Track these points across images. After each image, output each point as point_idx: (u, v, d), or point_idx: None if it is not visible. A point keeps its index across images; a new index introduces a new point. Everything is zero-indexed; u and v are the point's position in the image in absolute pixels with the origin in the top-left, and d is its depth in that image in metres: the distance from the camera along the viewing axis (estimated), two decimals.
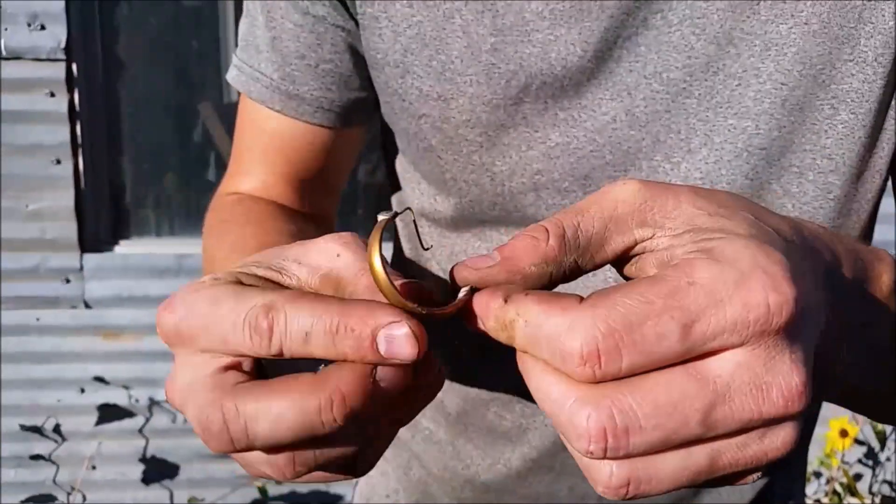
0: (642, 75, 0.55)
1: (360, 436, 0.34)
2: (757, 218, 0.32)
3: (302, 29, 0.61)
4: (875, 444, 2.28)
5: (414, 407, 0.35)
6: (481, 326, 0.32)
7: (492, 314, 0.31)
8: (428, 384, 0.35)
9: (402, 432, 0.77)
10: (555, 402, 0.29)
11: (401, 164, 0.68)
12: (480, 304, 0.32)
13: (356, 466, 0.36)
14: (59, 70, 1.92)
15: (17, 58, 1.90)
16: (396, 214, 0.34)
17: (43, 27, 1.89)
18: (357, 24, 0.60)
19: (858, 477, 2.31)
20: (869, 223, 0.61)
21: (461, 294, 0.33)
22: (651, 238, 0.32)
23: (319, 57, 0.62)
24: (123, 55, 2.07)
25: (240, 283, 0.34)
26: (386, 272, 0.31)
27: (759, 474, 0.31)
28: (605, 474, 0.29)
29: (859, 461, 2.31)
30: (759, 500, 0.74)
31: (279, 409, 0.31)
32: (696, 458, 0.29)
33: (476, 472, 0.73)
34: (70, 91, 1.94)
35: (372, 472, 0.84)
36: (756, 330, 0.28)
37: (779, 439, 0.29)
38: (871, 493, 2.30)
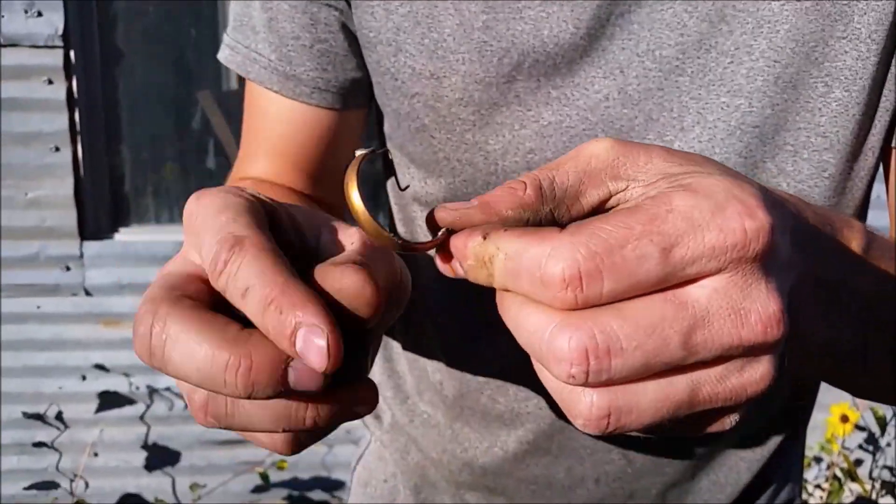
0: (635, 53, 0.55)
1: (278, 420, 0.33)
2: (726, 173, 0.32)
3: (296, 10, 0.61)
4: (876, 430, 2.28)
5: (334, 417, 0.34)
6: (458, 269, 0.32)
7: (470, 252, 0.31)
8: (352, 402, 0.34)
9: (400, 417, 0.78)
10: (534, 332, 0.29)
11: (391, 150, 0.68)
12: (458, 242, 0.32)
13: (278, 445, 0.36)
14: (56, 57, 1.91)
15: (15, 45, 1.89)
16: (374, 151, 0.34)
17: (40, 14, 1.88)
18: (349, 3, 0.60)
19: (859, 462, 2.31)
20: (863, 202, 0.61)
21: (439, 235, 0.33)
22: (625, 190, 0.32)
23: (314, 37, 0.62)
24: (121, 42, 2.07)
25: (257, 202, 0.35)
26: (364, 204, 0.32)
27: (736, 417, 0.31)
28: (586, 404, 0.29)
29: (860, 447, 2.32)
30: (757, 482, 0.74)
31: (194, 346, 0.31)
32: (676, 388, 0.29)
33: (474, 455, 0.73)
34: (68, 78, 1.93)
35: (369, 458, 0.84)
36: (733, 256, 0.28)
37: (757, 373, 0.30)
38: (871, 478, 2.30)
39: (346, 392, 0.34)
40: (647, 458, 0.69)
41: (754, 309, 0.28)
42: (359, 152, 0.34)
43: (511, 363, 0.67)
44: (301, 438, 0.36)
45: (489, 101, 0.57)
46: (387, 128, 0.65)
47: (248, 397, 0.31)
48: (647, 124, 0.57)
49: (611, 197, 0.33)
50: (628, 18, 0.54)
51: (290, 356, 0.31)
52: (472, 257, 0.31)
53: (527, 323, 0.29)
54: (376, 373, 0.82)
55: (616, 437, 0.68)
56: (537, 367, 0.31)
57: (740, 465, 0.73)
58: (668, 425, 0.31)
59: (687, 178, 0.30)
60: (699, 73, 0.55)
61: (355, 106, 0.67)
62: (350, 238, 0.36)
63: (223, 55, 0.67)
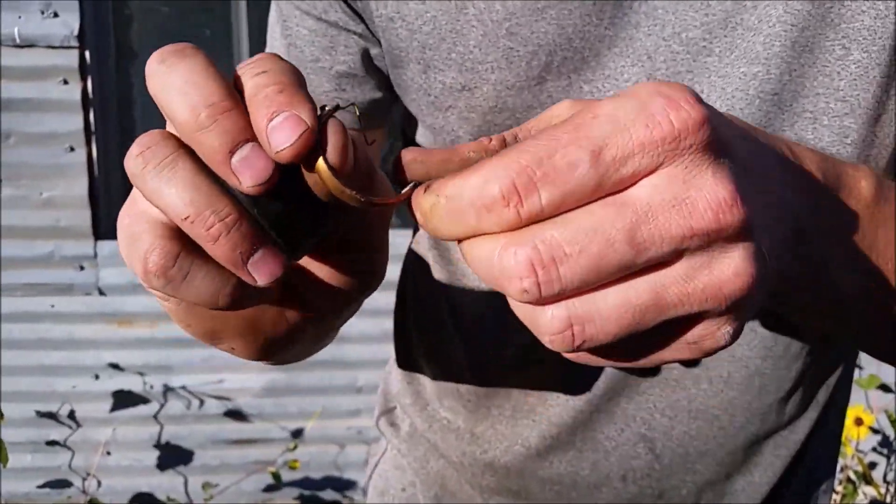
0: (661, 38, 0.54)
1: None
2: None
3: (315, 34, 0.62)
4: (890, 432, 2.27)
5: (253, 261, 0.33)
6: (426, 227, 0.32)
7: (416, 207, 0.31)
8: (273, 258, 0.33)
9: (419, 423, 0.77)
10: (486, 259, 0.29)
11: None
12: (413, 199, 0.32)
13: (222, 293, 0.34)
14: (72, 58, 1.92)
15: (31, 45, 1.90)
16: (337, 107, 0.33)
17: (56, 15, 1.89)
18: (369, 28, 0.60)
19: (873, 465, 2.30)
20: (888, 170, 0.59)
21: (403, 190, 0.33)
22: None
23: (334, 59, 0.62)
24: (136, 43, 2.07)
25: None
26: (325, 160, 0.31)
27: (728, 329, 0.30)
28: (547, 319, 0.29)
29: (874, 449, 2.30)
30: (791, 480, 0.73)
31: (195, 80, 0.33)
32: (637, 291, 0.29)
33: (494, 455, 0.72)
34: (83, 79, 1.94)
35: (386, 466, 0.84)
36: (667, 149, 0.28)
37: (730, 267, 0.29)
38: (885, 481, 2.29)
39: (268, 240, 0.33)
40: (676, 453, 0.68)
41: (701, 197, 0.28)
42: (328, 107, 0.33)
43: (533, 358, 0.67)
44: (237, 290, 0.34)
45: (523, 105, 0.57)
46: (423, 141, 0.65)
47: (198, 128, 0.31)
48: None
49: None
50: (652, 4, 0.54)
51: (256, 134, 0.31)
52: (419, 212, 0.31)
53: (480, 254, 0.30)
54: (396, 380, 0.82)
55: (640, 429, 0.68)
56: (509, 300, 0.31)
57: (776, 463, 0.71)
58: (644, 339, 0.30)
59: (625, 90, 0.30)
60: (726, 52, 0.54)
61: (374, 125, 0.67)
62: None
63: None
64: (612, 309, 0.29)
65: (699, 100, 0.29)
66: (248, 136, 0.31)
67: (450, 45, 0.56)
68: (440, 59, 0.57)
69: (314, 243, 0.35)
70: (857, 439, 1.95)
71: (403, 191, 0.33)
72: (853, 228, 0.40)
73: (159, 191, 0.31)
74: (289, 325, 0.43)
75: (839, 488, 2.16)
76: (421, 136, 0.65)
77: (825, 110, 0.55)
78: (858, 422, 1.92)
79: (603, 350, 0.31)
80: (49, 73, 1.92)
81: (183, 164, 0.32)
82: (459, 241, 0.31)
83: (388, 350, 0.87)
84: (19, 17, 1.88)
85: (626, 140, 0.28)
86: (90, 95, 1.96)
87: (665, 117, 0.28)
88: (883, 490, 2.23)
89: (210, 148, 0.31)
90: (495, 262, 0.29)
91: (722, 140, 0.29)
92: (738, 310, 0.30)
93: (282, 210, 0.33)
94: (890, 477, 2.30)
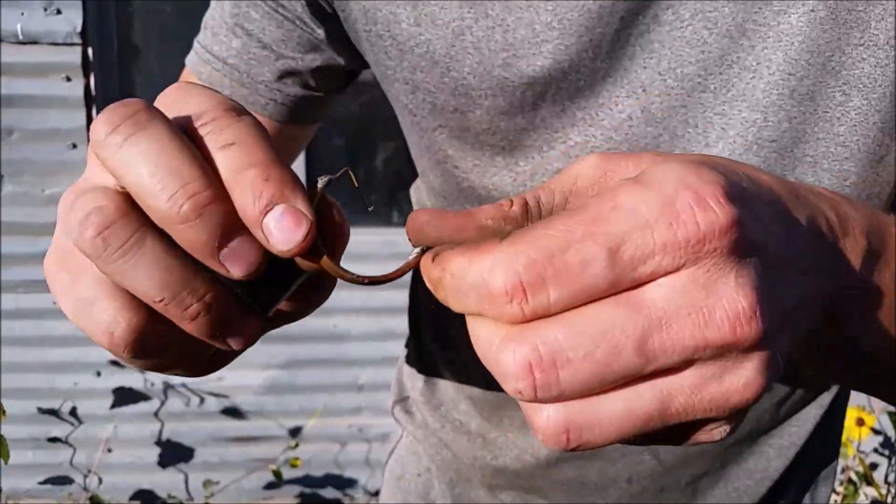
0: (657, 72, 0.54)
1: (167, 285, 0.30)
2: (735, 170, 0.30)
3: (270, 22, 0.60)
4: (892, 433, 2.27)
5: (220, 320, 0.31)
6: (435, 295, 0.30)
7: (424, 275, 0.30)
8: (241, 322, 0.32)
9: (431, 421, 0.78)
10: (485, 346, 0.28)
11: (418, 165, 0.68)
12: (423, 267, 0.30)
13: (123, 331, 0.32)
14: (74, 54, 1.92)
15: (34, 42, 1.90)
16: (331, 181, 0.32)
17: (59, 12, 1.89)
18: (332, 34, 0.59)
19: (874, 466, 2.30)
20: (888, 209, 0.59)
21: (411, 256, 0.31)
22: None
23: (280, 53, 0.61)
24: (138, 39, 2.08)
25: None
26: (318, 244, 0.30)
27: (726, 429, 0.29)
28: (542, 419, 0.27)
29: (875, 450, 2.30)
30: (788, 471, 0.74)
31: (160, 151, 0.30)
32: (643, 400, 0.27)
33: (505, 462, 0.73)
34: (86, 76, 1.94)
35: (402, 452, 0.84)
36: (690, 251, 0.26)
37: (741, 380, 0.27)
38: (886, 482, 2.29)
39: (244, 309, 0.32)
40: (677, 455, 0.70)
41: (719, 306, 0.26)
42: (320, 182, 0.32)
43: None
44: (151, 338, 0.32)
45: (516, 129, 0.57)
46: (413, 154, 0.65)
47: (181, 221, 0.29)
48: (672, 141, 0.56)
49: None
50: (648, 38, 0.54)
51: (248, 225, 0.29)
52: (427, 279, 0.30)
53: (479, 339, 0.28)
54: (410, 375, 0.82)
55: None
56: None
57: (769, 451, 0.73)
58: (642, 440, 0.29)
59: (647, 169, 0.28)
60: (722, 89, 0.54)
61: (304, 121, 0.66)
62: None
63: (188, 57, 0.66)
64: (615, 417, 0.27)
65: (730, 195, 0.27)
66: (237, 226, 0.29)
67: (443, 70, 0.55)
68: (432, 83, 0.56)
69: (286, 297, 0.34)
70: (858, 440, 1.95)
71: (411, 257, 0.31)
72: (892, 300, 0.37)
73: (126, 273, 0.29)
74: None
75: (840, 489, 2.15)
76: (412, 149, 0.65)
77: (825, 154, 0.55)
78: (860, 422, 1.92)
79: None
80: (52, 69, 1.92)
81: (151, 244, 0.29)
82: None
83: (390, 348, 0.88)
84: (22, 14, 1.88)
85: (647, 239, 0.26)
86: (93, 92, 1.97)
87: (691, 217, 0.26)
88: (884, 491, 2.23)
89: (195, 241, 0.29)
90: (492, 354, 0.27)
91: (750, 240, 0.27)
92: (740, 415, 0.29)
93: (259, 280, 0.31)
94: (891, 478, 2.30)
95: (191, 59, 0.66)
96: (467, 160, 0.59)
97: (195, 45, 0.66)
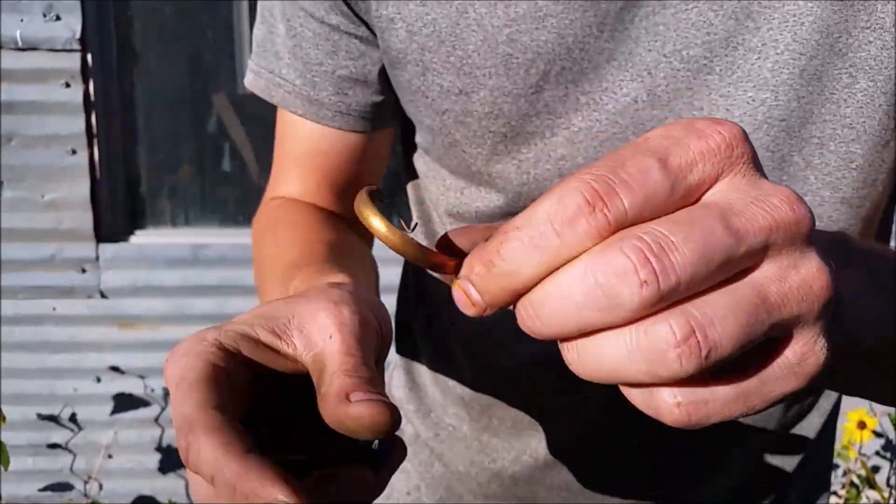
0: (662, 54, 0.55)
1: None
2: None
3: (319, 37, 0.62)
4: (893, 436, 2.26)
5: None
6: (483, 288, 0.30)
7: (469, 271, 0.29)
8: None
9: (423, 431, 0.77)
10: (584, 282, 0.27)
11: (424, 163, 0.68)
12: (465, 265, 0.30)
13: None
14: (74, 60, 1.92)
15: (33, 48, 1.90)
16: (378, 192, 0.32)
17: (58, 18, 1.89)
18: (372, 31, 0.61)
19: (876, 469, 2.29)
20: (893, 194, 0.60)
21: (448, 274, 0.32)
22: None
23: (336, 64, 0.63)
24: (138, 45, 2.08)
25: (231, 352, 0.37)
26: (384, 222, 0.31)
27: (824, 343, 0.29)
28: (666, 331, 0.27)
29: (877, 453, 2.30)
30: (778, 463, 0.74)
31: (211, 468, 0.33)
32: (742, 292, 0.28)
33: (503, 465, 0.72)
34: (85, 81, 1.94)
35: None
36: (723, 157, 0.29)
37: (813, 265, 0.29)
38: (888, 485, 2.28)
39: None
40: (679, 463, 0.70)
41: (771, 193, 0.29)
42: (364, 196, 0.32)
43: (538, 368, 0.67)
44: None
45: (519, 113, 0.57)
46: (423, 141, 0.65)
47: None
48: None
49: None
50: (653, 20, 0.54)
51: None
52: (470, 278, 0.29)
53: (571, 282, 0.27)
54: (398, 386, 0.82)
55: (643, 443, 0.68)
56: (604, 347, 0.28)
57: (760, 449, 0.73)
58: (758, 363, 0.29)
59: None
60: (727, 71, 0.55)
61: (378, 127, 0.68)
62: (324, 331, 0.38)
63: (248, 81, 0.68)
64: (726, 309, 0.28)
65: (730, 122, 0.30)
66: None
67: (448, 49, 0.56)
68: (439, 62, 0.57)
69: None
70: (860, 443, 1.94)
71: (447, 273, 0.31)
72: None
73: None
74: None
75: (842, 492, 2.15)
76: (420, 137, 0.65)
77: (832, 136, 0.55)
78: (862, 425, 1.92)
79: (721, 402, 0.29)
80: (51, 75, 1.92)
81: None
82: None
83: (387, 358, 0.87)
84: (21, 20, 1.88)
85: (686, 150, 0.28)
86: (92, 98, 1.97)
87: (714, 130, 0.29)
88: (886, 494, 2.23)
89: None
90: (600, 271, 0.27)
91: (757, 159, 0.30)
92: (826, 317, 0.29)
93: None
94: (893, 481, 2.30)
95: (255, 83, 0.67)
96: (472, 146, 0.60)
97: (255, 67, 0.67)
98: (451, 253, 0.31)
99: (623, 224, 0.27)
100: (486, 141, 0.59)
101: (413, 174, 0.71)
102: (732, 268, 0.28)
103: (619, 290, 0.27)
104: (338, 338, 0.37)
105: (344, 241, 0.63)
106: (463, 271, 0.30)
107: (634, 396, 0.30)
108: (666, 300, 0.27)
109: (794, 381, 0.30)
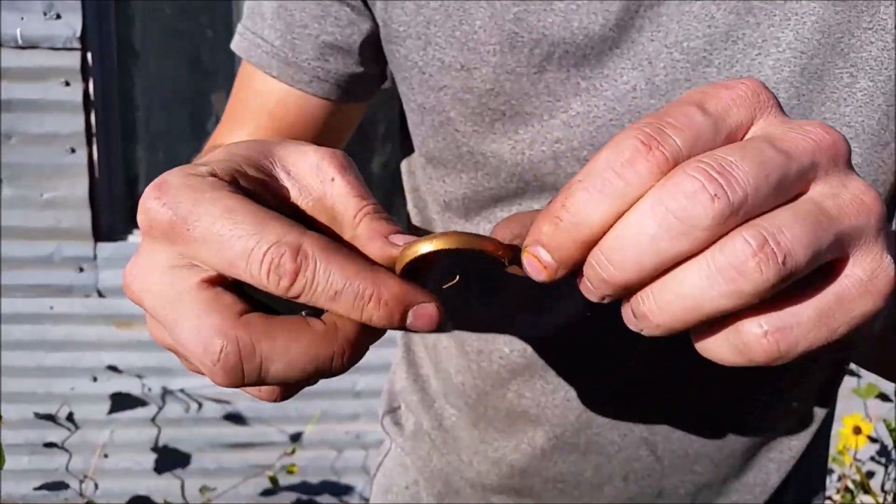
0: (663, 45, 0.55)
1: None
2: None
3: (308, 0, 0.62)
4: (888, 442, 2.27)
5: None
6: (553, 247, 0.31)
7: (538, 231, 0.31)
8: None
9: (426, 422, 0.78)
10: (656, 207, 0.28)
11: (413, 150, 0.68)
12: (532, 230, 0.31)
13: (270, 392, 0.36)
14: (74, 59, 1.92)
15: (33, 47, 1.90)
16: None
17: (58, 16, 1.89)
18: (365, 3, 0.60)
19: (871, 474, 2.29)
20: (893, 194, 0.60)
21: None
22: None
23: (321, 28, 0.62)
24: (138, 45, 2.08)
25: (238, 184, 0.34)
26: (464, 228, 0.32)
27: (890, 258, 0.30)
28: (741, 243, 0.28)
29: (872, 458, 2.30)
30: (784, 485, 0.74)
31: (295, 355, 0.31)
32: (803, 206, 0.29)
33: (503, 454, 0.73)
34: (85, 80, 1.94)
35: (390, 465, 0.84)
36: (753, 102, 0.31)
37: (859, 184, 0.31)
38: (883, 490, 2.29)
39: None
40: (676, 454, 0.69)
41: (803, 128, 0.30)
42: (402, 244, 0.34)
43: (532, 358, 0.67)
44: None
45: (520, 92, 0.57)
46: (409, 126, 0.65)
47: (371, 323, 0.32)
48: None
49: None
50: (657, 11, 0.55)
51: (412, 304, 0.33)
52: (539, 239, 0.31)
53: (642, 217, 0.28)
54: (401, 378, 0.82)
55: (642, 433, 0.68)
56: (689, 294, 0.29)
57: (769, 465, 0.72)
58: (830, 280, 0.30)
59: None
60: (726, 65, 0.55)
61: (351, 99, 0.67)
62: (321, 173, 0.35)
63: (234, 43, 0.68)
64: (793, 220, 0.29)
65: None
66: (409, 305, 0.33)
67: (455, 23, 0.57)
68: (443, 36, 0.57)
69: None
70: (855, 448, 1.95)
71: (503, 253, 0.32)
72: None
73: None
74: None
75: (837, 497, 2.15)
76: (409, 118, 0.65)
77: None
78: (857, 431, 1.92)
79: (804, 329, 0.30)
80: (51, 74, 1.92)
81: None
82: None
83: (387, 354, 0.87)
84: (21, 19, 1.88)
85: (718, 98, 0.31)
86: (92, 97, 1.96)
87: (736, 82, 0.31)
88: (881, 499, 2.23)
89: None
90: (667, 195, 0.28)
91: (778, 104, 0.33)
92: (883, 233, 0.31)
93: None
94: (888, 486, 2.30)
95: (238, 44, 0.67)
96: (467, 124, 0.60)
97: (240, 29, 0.67)
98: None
99: (679, 160, 0.29)
100: (485, 118, 0.59)
101: (409, 162, 0.71)
102: (788, 188, 0.29)
103: (691, 211, 0.28)
104: (342, 180, 0.35)
105: None
106: (530, 237, 0.31)
107: (719, 345, 0.30)
108: (736, 215, 0.28)
109: (871, 300, 0.30)
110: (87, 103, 1.96)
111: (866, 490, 2.12)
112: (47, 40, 1.90)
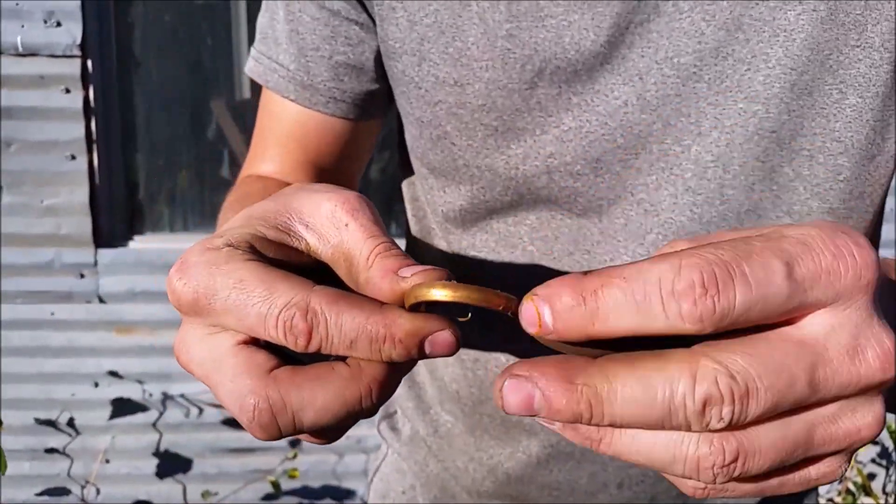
0: (654, 60, 0.56)
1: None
2: None
3: (318, 22, 0.63)
4: (889, 444, 2.27)
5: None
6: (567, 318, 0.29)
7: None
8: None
9: (422, 428, 0.78)
10: (665, 389, 0.28)
11: (412, 161, 0.69)
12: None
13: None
14: (74, 66, 1.93)
15: (34, 54, 1.91)
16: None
17: (59, 24, 1.90)
18: (372, 19, 0.62)
19: (872, 476, 2.29)
20: (880, 209, 0.62)
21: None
22: None
23: (333, 49, 0.64)
24: (138, 52, 2.08)
25: (254, 249, 0.35)
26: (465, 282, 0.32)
27: (845, 468, 0.31)
28: (715, 450, 0.28)
29: (873, 461, 2.30)
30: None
31: (324, 402, 0.32)
32: (793, 428, 0.29)
33: (498, 461, 0.73)
34: (85, 87, 1.95)
35: (386, 470, 0.84)
36: (847, 283, 0.28)
37: (870, 414, 0.29)
38: (884, 492, 2.28)
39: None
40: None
41: (870, 345, 0.28)
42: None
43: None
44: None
45: (511, 107, 0.58)
46: (408, 138, 0.66)
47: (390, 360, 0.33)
48: (664, 129, 0.57)
49: None
50: (647, 27, 0.55)
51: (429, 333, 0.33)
52: (551, 305, 0.29)
53: (657, 384, 0.28)
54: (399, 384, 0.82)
55: None
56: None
57: None
58: (784, 473, 0.30)
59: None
60: (716, 80, 0.56)
61: (369, 117, 0.68)
62: (335, 220, 0.36)
63: (248, 67, 0.69)
64: (771, 443, 0.29)
65: (869, 243, 0.29)
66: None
67: (448, 40, 0.57)
68: (436, 53, 0.58)
69: None
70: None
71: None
72: None
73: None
74: None
75: (839, 499, 2.15)
76: (408, 133, 0.66)
77: (821, 149, 0.57)
78: None
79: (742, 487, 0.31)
80: (51, 81, 1.93)
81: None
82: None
83: None
84: (22, 26, 1.89)
85: (816, 262, 0.28)
86: (92, 104, 1.97)
87: (850, 251, 0.28)
88: (882, 501, 2.23)
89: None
90: (688, 391, 0.27)
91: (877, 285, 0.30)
92: (857, 449, 0.30)
93: None
94: (889, 488, 2.30)
95: (254, 69, 0.68)
96: (462, 138, 0.61)
97: (254, 53, 0.68)
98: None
99: (727, 317, 0.27)
100: (478, 133, 0.60)
101: (408, 172, 0.72)
102: (797, 408, 0.29)
103: (692, 416, 0.28)
104: (355, 224, 0.36)
105: None
106: (543, 292, 0.29)
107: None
108: (729, 428, 0.28)
109: (801, 489, 0.31)
110: (88, 110, 1.97)
111: (868, 492, 2.11)
112: (47, 48, 1.91)
